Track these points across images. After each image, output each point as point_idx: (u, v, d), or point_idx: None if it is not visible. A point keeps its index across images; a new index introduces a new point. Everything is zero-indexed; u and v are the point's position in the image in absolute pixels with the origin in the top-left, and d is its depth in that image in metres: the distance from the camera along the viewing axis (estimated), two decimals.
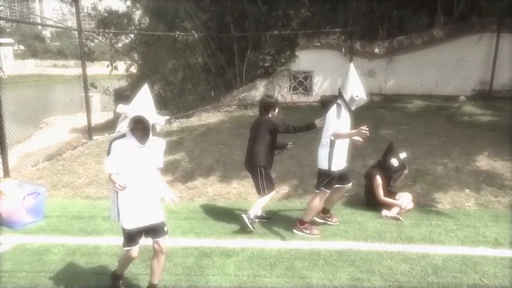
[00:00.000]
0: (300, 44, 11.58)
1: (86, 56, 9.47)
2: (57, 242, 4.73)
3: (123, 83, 15.70)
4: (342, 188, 5.15)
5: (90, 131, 9.00)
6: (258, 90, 11.77)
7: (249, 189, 6.31)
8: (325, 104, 4.99)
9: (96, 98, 15.81)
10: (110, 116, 16.21)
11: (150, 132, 3.24)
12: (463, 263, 4.30)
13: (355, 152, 7.38)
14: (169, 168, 7.01)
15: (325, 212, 5.29)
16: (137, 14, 17.14)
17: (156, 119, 3.27)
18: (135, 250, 3.45)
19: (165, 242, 3.51)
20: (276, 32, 11.65)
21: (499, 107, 10.08)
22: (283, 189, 6.33)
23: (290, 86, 11.87)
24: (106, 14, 15.82)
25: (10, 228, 5.08)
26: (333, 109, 4.78)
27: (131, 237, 3.40)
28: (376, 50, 11.48)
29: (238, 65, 12.19)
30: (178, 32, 12.93)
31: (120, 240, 4.69)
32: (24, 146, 9.45)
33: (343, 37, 11.48)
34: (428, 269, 4.16)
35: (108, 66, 13.70)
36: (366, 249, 4.59)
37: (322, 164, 4.84)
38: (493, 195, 5.95)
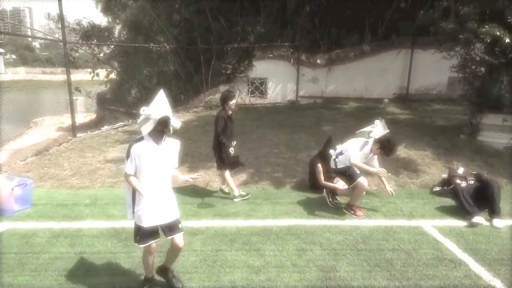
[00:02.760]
0: (256, 55, 11.53)
1: (70, 64, 9.02)
2: (43, 227, 4.46)
3: (104, 88, 15.17)
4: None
5: (74, 129, 8.56)
6: None
7: (213, 178, 6.22)
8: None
9: (80, 100, 15.14)
10: (92, 116, 15.61)
11: (167, 133, 3.00)
12: (385, 232, 4.43)
13: (301, 145, 7.49)
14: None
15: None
16: (117, 28, 16.58)
17: (175, 122, 3.00)
18: (153, 244, 3.11)
19: (181, 238, 3.18)
20: (236, 45, 11.55)
21: (413, 108, 10.49)
22: (241, 176, 6.28)
23: (248, 90, 11.81)
24: (89, 28, 15.21)
25: (0, 216, 4.74)
26: (360, 140, 4.96)
27: (146, 235, 3.04)
28: (318, 61, 11.62)
29: (204, 73, 12.00)
30: (152, 44, 12.59)
31: (100, 223, 4.56)
32: (15, 143, 8.90)
33: (292, 50, 11.55)
34: (359, 238, 4.27)
35: (90, 73, 13.13)
36: (309, 224, 4.64)
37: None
38: (409, 177, 6.18)
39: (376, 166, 5.08)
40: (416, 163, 6.58)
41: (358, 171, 4.92)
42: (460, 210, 4.87)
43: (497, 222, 4.59)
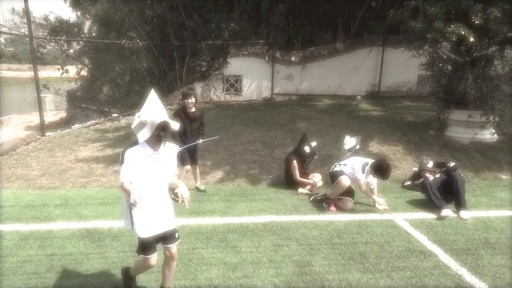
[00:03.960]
0: (231, 52, 11.48)
1: (38, 60, 8.67)
2: (10, 229, 4.27)
3: (74, 85, 14.71)
4: None
5: (43, 128, 8.25)
6: (196, 91, 11.52)
7: (187, 176, 6.14)
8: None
9: (49, 98, 14.62)
10: (62, 114, 15.13)
11: (164, 138, 2.76)
12: (359, 226, 4.53)
13: (277, 141, 7.53)
14: (117, 159, 6.61)
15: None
16: (87, 23, 16.10)
17: (173, 124, 2.73)
18: (153, 258, 2.87)
19: (176, 249, 2.98)
20: (211, 42, 11.46)
21: (385, 104, 10.75)
22: (217, 174, 6.25)
23: (223, 88, 11.75)
24: (57, 24, 14.72)
25: None
26: (361, 160, 5.05)
27: (148, 246, 2.83)
28: (293, 58, 11.70)
29: (178, 70, 11.85)
30: (124, 40, 12.30)
31: (71, 224, 4.42)
32: None
33: (266, 47, 11.58)
34: (333, 233, 4.33)
35: (59, 69, 12.68)
36: (285, 220, 4.67)
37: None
38: None
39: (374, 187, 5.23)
40: (388, 158, 6.72)
41: (345, 173, 5.03)
42: (430, 204, 5.04)
43: (464, 214, 4.79)
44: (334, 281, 3.38)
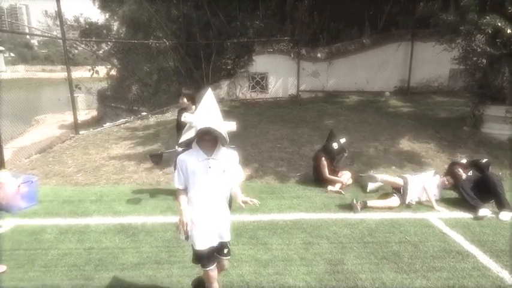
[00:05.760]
0: (256, 50, 11.49)
1: (70, 61, 8.97)
2: (50, 224, 4.47)
3: (105, 85, 15.15)
4: None
5: (76, 126, 8.55)
6: (222, 89, 11.62)
7: None
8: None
9: (81, 98, 15.11)
10: (93, 113, 15.61)
11: (219, 143, 2.56)
12: (391, 225, 4.43)
13: (304, 139, 7.48)
14: (148, 157, 6.76)
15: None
16: (115, 24, 16.53)
17: (227, 126, 2.56)
18: (212, 271, 2.73)
19: (227, 264, 2.90)
20: (236, 40, 11.51)
21: (415, 100, 10.45)
22: (246, 171, 6.25)
23: (249, 85, 11.77)
24: (87, 26, 15.21)
25: (8, 213, 4.76)
26: (429, 173, 5.34)
27: (203, 258, 2.68)
28: (319, 55, 11.57)
29: (204, 68, 11.96)
30: (151, 40, 12.53)
31: (107, 219, 4.57)
32: (18, 141, 8.92)
33: (291, 44, 11.50)
34: (365, 232, 4.26)
35: (89, 70, 13.09)
36: (315, 218, 4.63)
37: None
38: (413, 170, 6.12)
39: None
40: (420, 156, 6.56)
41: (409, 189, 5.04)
42: (465, 203, 4.86)
43: (504, 215, 4.53)
44: (367, 280, 3.33)
